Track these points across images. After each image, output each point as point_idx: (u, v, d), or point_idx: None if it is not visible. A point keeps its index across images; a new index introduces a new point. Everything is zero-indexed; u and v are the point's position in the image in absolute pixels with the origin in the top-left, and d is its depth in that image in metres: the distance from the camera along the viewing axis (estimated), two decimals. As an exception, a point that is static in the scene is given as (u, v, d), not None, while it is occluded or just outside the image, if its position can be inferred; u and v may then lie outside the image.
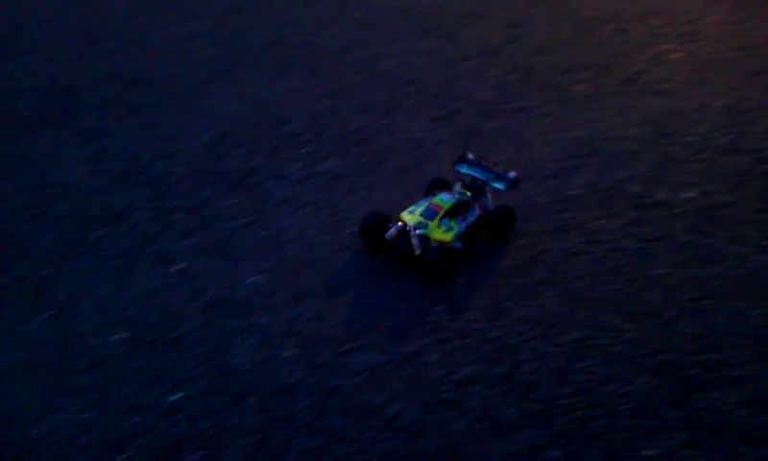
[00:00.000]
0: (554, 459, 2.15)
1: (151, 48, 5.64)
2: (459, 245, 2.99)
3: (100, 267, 3.19)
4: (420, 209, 3.02)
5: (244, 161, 3.95)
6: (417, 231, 2.94)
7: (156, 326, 2.80)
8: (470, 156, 3.26)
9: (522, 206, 3.31)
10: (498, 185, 3.10)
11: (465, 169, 3.22)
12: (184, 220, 3.48)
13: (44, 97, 4.81)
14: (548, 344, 2.56)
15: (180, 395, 2.47)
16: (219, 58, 5.38)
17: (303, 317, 2.78)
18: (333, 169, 3.79)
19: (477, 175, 3.18)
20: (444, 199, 3.05)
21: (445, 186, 3.24)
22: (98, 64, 5.35)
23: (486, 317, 2.71)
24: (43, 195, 3.74)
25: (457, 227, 3.00)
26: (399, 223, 3.01)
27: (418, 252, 2.92)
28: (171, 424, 2.36)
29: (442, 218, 2.99)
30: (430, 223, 2.96)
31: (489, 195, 3.19)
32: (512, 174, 3.14)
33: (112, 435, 2.35)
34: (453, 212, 3.02)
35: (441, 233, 2.97)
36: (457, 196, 3.06)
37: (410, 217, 3.00)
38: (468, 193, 3.09)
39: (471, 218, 3.05)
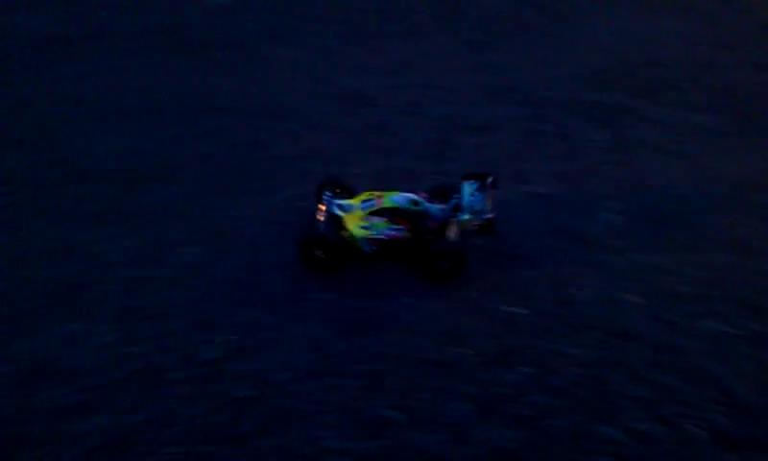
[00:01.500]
0: None
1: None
2: (367, 249, 2.76)
3: (458, 172, 3.33)
4: (390, 195, 2.81)
5: (617, 98, 3.86)
6: (335, 208, 2.81)
7: (505, 240, 2.89)
8: (489, 180, 2.84)
9: None
10: (463, 216, 2.75)
11: (467, 188, 2.84)
12: (550, 145, 3.51)
13: (438, 3, 5.05)
14: None
15: (520, 309, 2.55)
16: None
17: (655, 267, 2.70)
18: (706, 122, 3.56)
19: (463, 199, 2.79)
20: (395, 199, 2.80)
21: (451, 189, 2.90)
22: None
23: None
24: (426, 96, 3.97)
25: (377, 231, 2.75)
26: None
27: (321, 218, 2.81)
28: (505, 331, 2.46)
29: (372, 213, 2.77)
30: (358, 211, 2.78)
31: (453, 227, 2.76)
32: (489, 215, 2.74)
33: (450, 329, 2.50)
34: (392, 217, 2.77)
35: (355, 225, 2.76)
36: (405, 204, 2.79)
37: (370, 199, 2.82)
38: (420, 207, 2.78)
39: (396, 234, 2.75)
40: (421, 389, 2.27)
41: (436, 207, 2.85)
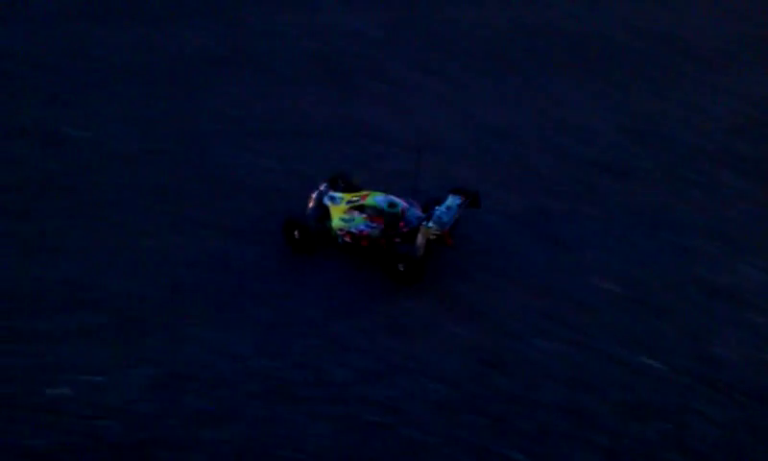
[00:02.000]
0: None
1: (687, 12, 5.51)
2: (340, 240, 3.05)
3: (606, 216, 3.32)
4: (380, 196, 3.13)
5: (765, 149, 3.73)
6: (326, 198, 3.19)
7: (647, 288, 2.85)
8: (466, 200, 3.12)
9: None
10: (428, 224, 3.02)
11: (449, 200, 3.12)
12: (695, 193, 3.43)
13: (583, 43, 5.03)
14: None
15: (656, 362, 2.50)
16: (754, 37, 5.06)
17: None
18: None
19: (436, 210, 3.06)
20: (376, 199, 3.07)
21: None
22: (635, 19, 5.40)
23: None
24: (568, 135, 3.97)
25: (353, 225, 3.00)
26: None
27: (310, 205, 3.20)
28: (639, 383, 2.42)
29: (355, 208, 3.06)
30: (343, 205, 3.09)
31: (421, 234, 2.97)
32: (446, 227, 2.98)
33: (581, 376, 2.49)
34: (370, 214, 3.04)
35: (337, 217, 3.09)
36: (384, 204, 3.04)
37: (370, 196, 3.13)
38: (398, 210, 3.04)
39: (369, 231, 3.00)
40: (550, 434, 2.27)
41: (414, 213, 3.11)
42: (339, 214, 3.04)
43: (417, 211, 3.11)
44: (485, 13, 5.49)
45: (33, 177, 3.61)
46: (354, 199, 3.08)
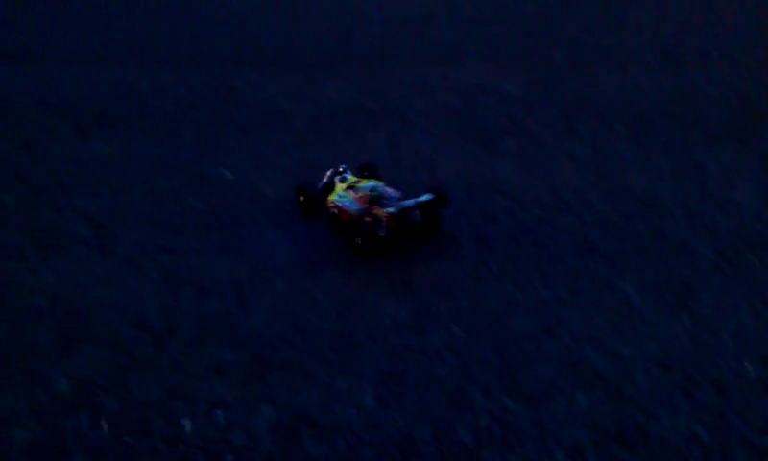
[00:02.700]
0: None
1: None
2: (330, 211, 3.55)
3: (747, 293, 3.19)
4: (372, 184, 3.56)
5: None
6: (338, 177, 3.65)
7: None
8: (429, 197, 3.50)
9: None
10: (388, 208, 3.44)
11: (423, 197, 3.51)
12: None
13: (731, 112, 4.88)
14: None
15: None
16: None
17: None
18: None
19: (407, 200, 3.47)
20: (368, 184, 3.53)
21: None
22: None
23: None
24: (708, 206, 3.84)
25: (340, 201, 3.49)
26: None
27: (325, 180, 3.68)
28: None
29: (350, 188, 3.50)
30: (343, 184, 3.59)
31: (380, 213, 3.39)
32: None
33: (711, 457, 2.37)
34: (359, 195, 3.47)
35: (336, 193, 3.55)
36: (369, 188, 3.47)
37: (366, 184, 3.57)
38: (374, 194, 3.44)
39: (351, 207, 3.43)
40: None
41: (392, 199, 3.51)
42: (339, 191, 3.51)
43: (399, 201, 3.50)
44: (627, 76, 5.42)
45: (177, 213, 3.82)
46: (355, 181, 3.56)
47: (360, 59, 5.71)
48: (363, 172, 3.73)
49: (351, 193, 3.49)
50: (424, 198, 3.46)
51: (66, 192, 3.94)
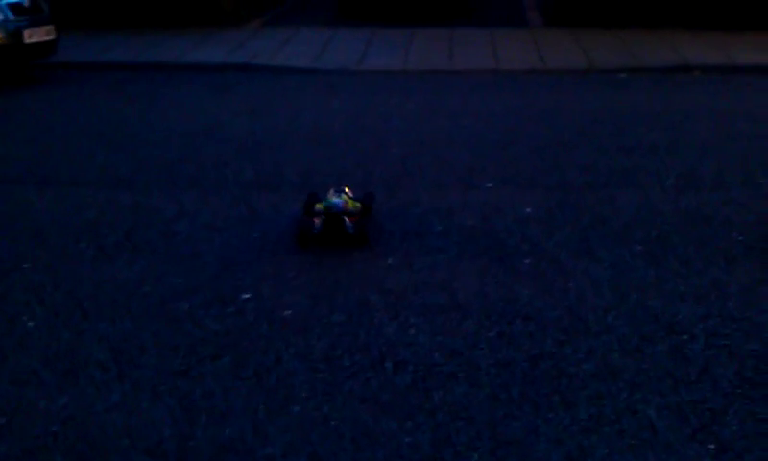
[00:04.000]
0: None
1: None
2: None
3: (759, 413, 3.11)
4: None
5: None
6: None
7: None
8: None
9: None
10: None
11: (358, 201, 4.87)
12: None
13: (748, 232, 4.89)
14: None
15: None
16: None
17: None
18: None
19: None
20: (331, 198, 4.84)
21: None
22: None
23: None
24: (729, 327, 3.80)
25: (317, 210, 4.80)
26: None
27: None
28: None
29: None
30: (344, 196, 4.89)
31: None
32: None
33: None
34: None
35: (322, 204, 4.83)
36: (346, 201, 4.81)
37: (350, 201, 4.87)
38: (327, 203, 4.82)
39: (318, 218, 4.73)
40: None
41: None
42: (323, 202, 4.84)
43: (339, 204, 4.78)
44: (644, 197, 5.46)
45: (195, 335, 3.82)
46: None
47: (381, 181, 5.82)
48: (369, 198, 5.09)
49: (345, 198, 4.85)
50: (359, 201, 4.88)
51: (87, 316, 3.98)
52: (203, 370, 3.51)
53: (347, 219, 4.62)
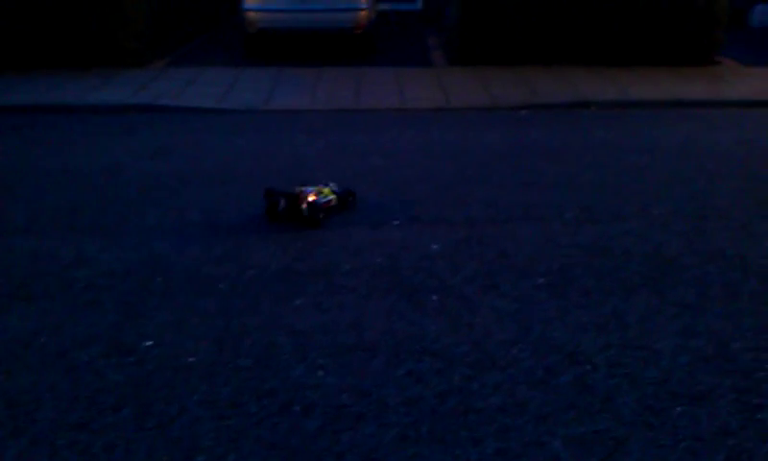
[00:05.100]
0: None
1: (755, 235, 5.55)
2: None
3: (673, 444, 3.21)
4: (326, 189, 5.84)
5: None
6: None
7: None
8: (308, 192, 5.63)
9: None
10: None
11: (334, 191, 5.88)
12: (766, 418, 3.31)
13: (645, 262, 5.06)
14: None
15: None
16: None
17: None
18: None
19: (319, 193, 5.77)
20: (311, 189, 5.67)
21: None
22: (700, 242, 5.45)
23: None
24: (629, 356, 3.91)
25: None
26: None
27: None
28: None
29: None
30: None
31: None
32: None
33: None
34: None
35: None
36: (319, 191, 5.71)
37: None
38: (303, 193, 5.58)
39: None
40: None
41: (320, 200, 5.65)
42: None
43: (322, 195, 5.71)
44: (546, 231, 5.59)
45: (95, 387, 3.68)
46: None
47: (286, 224, 5.80)
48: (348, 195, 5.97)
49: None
50: (336, 193, 5.84)
51: (-21, 371, 3.79)
52: (103, 422, 3.39)
53: (303, 204, 5.43)
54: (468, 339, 4.07)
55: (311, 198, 5.55)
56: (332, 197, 5.77)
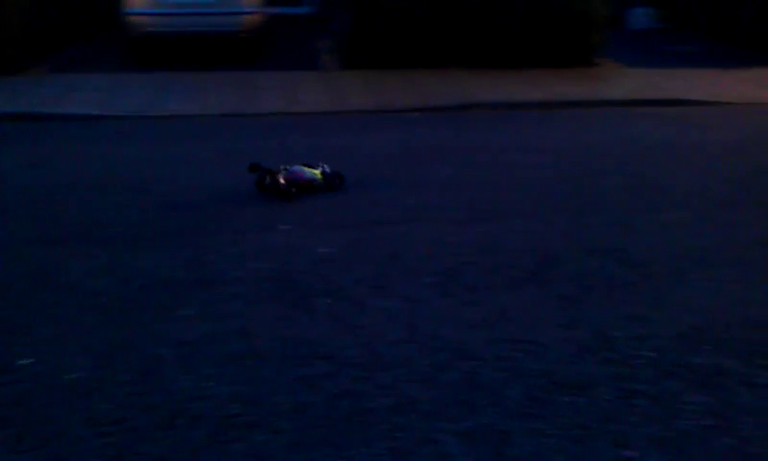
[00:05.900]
0: None
1: (634, 229, 5.79)
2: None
3: (558, 433, 3.30)
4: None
5: (714, 360, 3.81)
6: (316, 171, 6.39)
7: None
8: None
9: None
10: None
11: (322, 170, 6.42)
12: (645, 407, 3.45)
13: (530, 258, 5.19)
14: None
15: None
16: (704, 249, 5.31)
17: None
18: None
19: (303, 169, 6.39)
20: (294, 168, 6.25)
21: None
22: (581, 237, 5.64)
23: None
24: (515, 349, 4.00)
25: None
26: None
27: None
28: None
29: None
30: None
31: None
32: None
33: None
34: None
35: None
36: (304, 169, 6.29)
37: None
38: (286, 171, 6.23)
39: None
40: None
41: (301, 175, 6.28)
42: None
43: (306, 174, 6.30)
44: (434, 231, 5.68)
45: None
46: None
47: (175, 230, 5.65)
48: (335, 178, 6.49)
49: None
50: (319, 171, 6.40)
51: None
52: (-25, 446, 3.21)
53: (281, 180, 6.06)
54: (358, 341, 4.07)
55: (283, 177, 6.14)
56: (318, 177, 6.26)
